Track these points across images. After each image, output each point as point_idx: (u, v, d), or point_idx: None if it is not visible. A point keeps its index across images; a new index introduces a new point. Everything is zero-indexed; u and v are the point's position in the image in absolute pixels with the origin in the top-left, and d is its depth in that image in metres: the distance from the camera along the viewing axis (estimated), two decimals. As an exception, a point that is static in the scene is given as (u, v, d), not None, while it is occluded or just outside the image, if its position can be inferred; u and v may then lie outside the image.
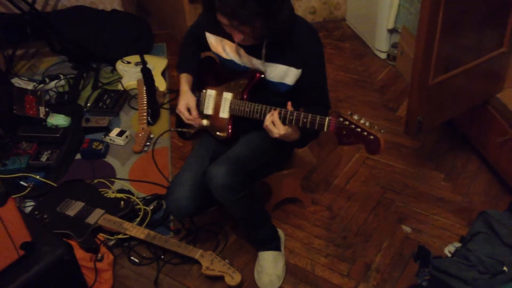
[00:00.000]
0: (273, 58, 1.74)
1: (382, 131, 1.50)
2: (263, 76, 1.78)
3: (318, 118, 1.57)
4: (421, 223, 2.16)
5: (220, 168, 1.71)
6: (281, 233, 2.07)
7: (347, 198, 2.31)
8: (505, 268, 1.74)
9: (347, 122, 1.52)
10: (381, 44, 3.41)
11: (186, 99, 1.93)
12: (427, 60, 1.87)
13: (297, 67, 1.73)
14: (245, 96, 1.81)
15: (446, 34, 1.84)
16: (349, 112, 1.55)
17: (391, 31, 3.32)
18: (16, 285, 1.26)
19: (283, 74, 1.74)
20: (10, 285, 1.26)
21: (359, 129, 1.51)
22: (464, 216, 2.18)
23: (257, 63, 1.77)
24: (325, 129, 1.57)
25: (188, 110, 1.92)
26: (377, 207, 2.25)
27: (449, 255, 1.97)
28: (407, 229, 2.14)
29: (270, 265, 1.93)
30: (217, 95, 1.90)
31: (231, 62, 1.85)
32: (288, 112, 1.61)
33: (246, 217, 1.88)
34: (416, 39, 1.85)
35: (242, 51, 1.79)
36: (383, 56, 3.44)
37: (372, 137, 1.50)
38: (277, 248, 1.98)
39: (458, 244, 1.98)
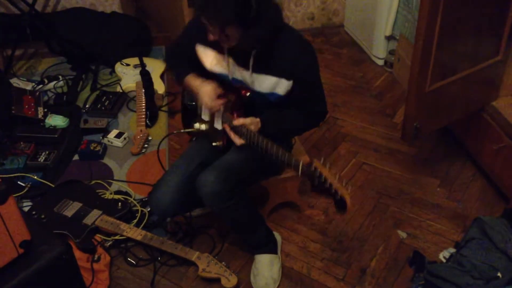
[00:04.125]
0: (262, 69, 1.70)
1: (349, 190, 1.48)
2: (248, 94, 1.76)
3: (293, 161, 1.58)
4: (416, 229, 2.18)
5: (210, 175, 1.71)
6: (277, 236, 2.08)
7: (343, 202, 2.32)
8: (499, 274, 1.75)
9: (318, 173, 1.51)
10: (379, 51, 3.43)
11: (208, 85, 1.74)
12: (424, 67, 1.89)
13: (287, 78, 1.68)
14: (234, 115, 1.78)
15: (443, 42, 1.86)
16: (321, 159, 1.53)
17: (389, 38, 3.35)
18: (14, 283, 1.26)
19: (273, 85, 1.70)
20: (9, 283, 1.26)
21: (327, 185, 1.50)
22: (458, 222, 2.20)
23: (245, 74, 1.74)
24: (299, 173, 1.57)
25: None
26: (373, 212, 2.27)
27: (444, 260, 1.98)
28: (402, 234, 2.16)
29: (266, 268, 1.94)
30: None
31: (220, 76, 1.80)
32: (267, 145, 1.63)
33: (237, 223, 1.88)
34: (413, 47, 1.87)
35: (231, 61, 1.75)
36: (380, 62, 3.46)
37: (339, 197, 1.49)
38: (273, 251, 1.99)
39: (453, 250, 2.00)
